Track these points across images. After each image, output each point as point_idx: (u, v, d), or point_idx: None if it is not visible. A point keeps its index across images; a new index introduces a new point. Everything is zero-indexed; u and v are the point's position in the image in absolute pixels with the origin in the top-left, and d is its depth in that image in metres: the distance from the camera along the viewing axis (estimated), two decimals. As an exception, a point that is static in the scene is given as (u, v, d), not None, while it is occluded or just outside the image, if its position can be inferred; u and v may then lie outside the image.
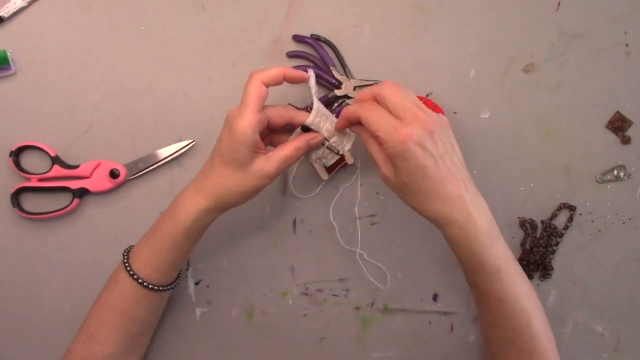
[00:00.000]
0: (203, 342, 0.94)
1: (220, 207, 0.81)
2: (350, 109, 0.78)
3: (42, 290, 0.93)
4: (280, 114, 0.82)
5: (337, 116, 0.91)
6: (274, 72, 0.78)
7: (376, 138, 0.74)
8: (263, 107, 0.79)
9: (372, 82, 0.92)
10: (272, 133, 0.85)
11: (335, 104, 0.93)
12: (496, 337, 0.82)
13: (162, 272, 0.83)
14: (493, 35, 0.95)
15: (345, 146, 0.86)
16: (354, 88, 0.92)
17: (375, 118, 0.73)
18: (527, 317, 0.78)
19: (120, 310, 0.84)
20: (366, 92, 0.77)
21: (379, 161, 0.77)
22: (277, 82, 0.78)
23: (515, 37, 0.94)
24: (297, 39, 0.94)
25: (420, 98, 0.89)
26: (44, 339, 0.93)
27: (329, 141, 0.85)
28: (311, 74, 0.82)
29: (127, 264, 0.83)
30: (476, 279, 0.79)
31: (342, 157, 0.90)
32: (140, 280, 0.82)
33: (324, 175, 0.92)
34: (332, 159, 0.88)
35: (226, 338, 0.94)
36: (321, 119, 0.83)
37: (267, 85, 0.78)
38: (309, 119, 0.82)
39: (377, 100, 0.76)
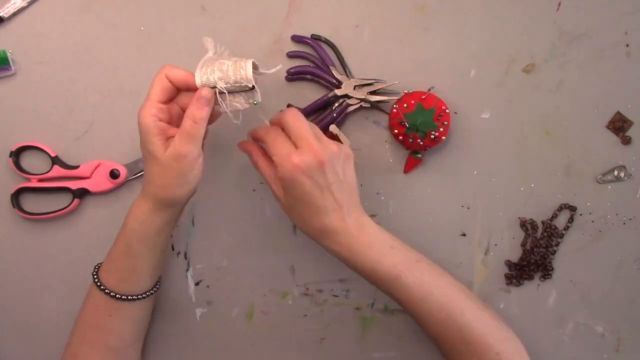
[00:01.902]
0: (203, 343, 0.94)
1: (163, 205, 0.80)
2: (257, 131, 0.83)
3: (42, 290, 0.93)
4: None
5: (337, 115, 0.91)
6: (181, 73, 0.77)
7: (269, 160, 0.80)
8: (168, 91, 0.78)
9: (372, 81, 0.92)
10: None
11: (336, 104, 0.93)
12: (429, 334, 0.83)
13: (125, 281, 0.83)
14: (493, 35, 0.94)
15: (248, 71, 0.76)
16: (354, 87, 0.92)
17: (273, 142, 0.78)
18: (445, 311, 0.79)
19: (96, 324, 0.84)
20: (274, 117, 0.82)
21: (269, 181, 0.82)
22: (180, 84, 0.78)
23: (516, 37, 0.94)
24: (296, 39, 0.94)
25: (422, 93, 0.89)
26: (44, 339, 0.93)
27: (224, 87, 0.76)
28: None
29: (94, 276, 0.84)
30: (381, 289, 0.82)
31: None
32: (107, 291, 0.83)
33: None
34: (248, 99, 0.79)
35: (226, 338, 0.94)
36: (208, 74, 0.76)
37: (171, 82, 0.78)
38: (197, 82, 0.76)
39: (282, 126, 0.80)
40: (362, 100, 0.92)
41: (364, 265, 0.80)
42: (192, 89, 0.77)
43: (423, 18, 0.95)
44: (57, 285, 0.93)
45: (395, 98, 0.91)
